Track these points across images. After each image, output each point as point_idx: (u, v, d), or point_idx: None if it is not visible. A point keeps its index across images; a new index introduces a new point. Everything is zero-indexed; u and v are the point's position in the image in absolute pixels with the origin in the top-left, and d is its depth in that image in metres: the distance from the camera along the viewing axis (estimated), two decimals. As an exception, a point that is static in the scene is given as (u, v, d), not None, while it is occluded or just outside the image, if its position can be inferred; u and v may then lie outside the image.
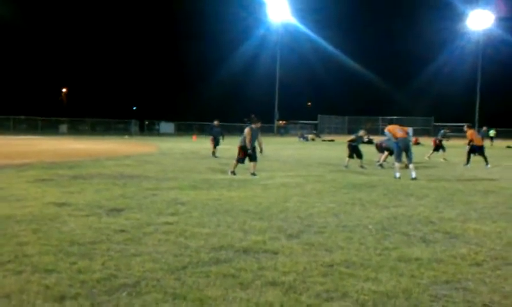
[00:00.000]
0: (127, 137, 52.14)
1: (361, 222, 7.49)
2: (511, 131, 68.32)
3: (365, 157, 18.10)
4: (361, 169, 16.84)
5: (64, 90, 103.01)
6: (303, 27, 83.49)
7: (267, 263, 5.21)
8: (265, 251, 5.71)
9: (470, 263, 5.42)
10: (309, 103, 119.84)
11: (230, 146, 22.88)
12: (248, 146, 14.08)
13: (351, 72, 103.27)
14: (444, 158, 22.36)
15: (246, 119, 16.14)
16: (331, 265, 5.20)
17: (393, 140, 14.73)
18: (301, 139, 54.40)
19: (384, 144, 18.26)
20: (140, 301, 4.16)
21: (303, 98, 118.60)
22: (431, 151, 23.60)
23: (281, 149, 30.58)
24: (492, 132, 46.45)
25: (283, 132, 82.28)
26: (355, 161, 17.81)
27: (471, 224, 7.52)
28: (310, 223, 7.37)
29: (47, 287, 4.40)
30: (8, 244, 5.77)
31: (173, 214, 7.81)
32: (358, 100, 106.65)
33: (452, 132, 28.71)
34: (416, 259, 5.49)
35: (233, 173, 14.16)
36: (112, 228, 6.67)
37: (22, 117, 63.84)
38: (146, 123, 78.78)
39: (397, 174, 13.92)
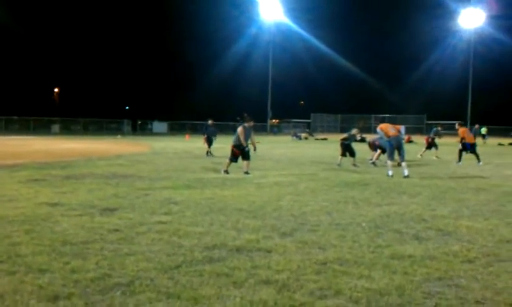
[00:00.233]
0: (119, 136, 51.99)
1: (354, 220, 7.52)
2: (503, 129, 68.72)
3: (357, 155, 18.15)
4: (354, 168, 16.88)
5: (56, 90, 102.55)
6: (295, 27, 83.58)
7: (261, 262, 5.22)
8: (259, 250, 5.73)
9: (463, 260, 5.45)
10: (302, 102, 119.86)
11: (223, 145, 22.86)
12: (244, 144, 14.09)
13: (344, 71, 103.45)
14: (436, 156, 22.45)
15: (238, 118, 16.16)
16: (325, 263, 5.22)
17: (386, 138, 14.78)
18: (294, 137, 54.39)
19: (377, 143, 18.33)
20: (134, 300, 4.16)
21: (296, 96, 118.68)
22: (424, 149, 23.68)
23: (275, 148, 30.59)
24: (484, 130, 46.65)
25: (276, 130, 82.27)
26: (348, 159, 17.86)
27: (463, 221, 7.57)
28: (303, 221, 7.39)
29: (41, 287, 4.39)
30: (1, 244, 5.75)
31: (166, 213, 7.81)
32: (351, 99, 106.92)
33: (444, 129, 28.79)
34: (409, 256, 5.52)
35: (227, 171, 14.16)
36: (106, 228, 6.67)
37: (14, 117, 63.48)
38: (139, 122, 78.56)
39: (390, 172, 13.97)
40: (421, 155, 23.08)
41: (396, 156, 14.82)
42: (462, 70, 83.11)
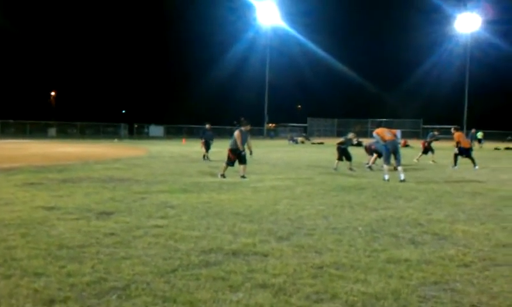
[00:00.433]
0: (116, 140, 51.90)
1: (351, 225, 7.53)
2: (499, 133, 68.89)
3: (354, 159, 18.19)
4: (350, 172, 16.91)
5: (53, 93, 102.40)
6: (292, 31, 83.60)
7: (257, 266, 5.23)
8: (255, 254, 5.73)
9: (458, 264, 5.47)
10: (299, 106, 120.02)
11: (219, 149, 22.86)
12: (240, 148, 14.09)
13: (340, 75, 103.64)
14: (433, 161, 22.49)
15: (235, 122, 16.19)
16: (321, 267, 5.22)
17: (382, 143, 14.82)
18: (291, 141, 54.43)
19: (373, 147, 18.36)
20: (130, 304, 4.16)
21: (293, 101, 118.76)
22: (420, 154, 23.73)
23: (271, 152, 30.61)
24: (480, 134, 46.77)
25: (272, 134, 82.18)
26: (344, 163, 17.88)
27: (459, 225, 7.59)
28: (299, 225, 7.40)
29: (36, 291, 4.39)
30: (-3, 248, 5.74)
31: (162, 217, 7.81)
32: (347, 103, 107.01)
33: (441, 134, 28.87)
34: (405, 260, 5.53)
35: (223, 175, 14.16)
36: (102, 232, 6.66)
37: (11, 121, 63.30)
38: (136, 126, 78.32)
39: (386, 177, 14.00)
40: (417, 159, 23.13)
41: (392, 160, 14.84)
42: (458, 74, 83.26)
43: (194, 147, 34.05)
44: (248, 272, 5.01)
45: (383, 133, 14.88)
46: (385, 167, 14.47)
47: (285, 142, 56.09)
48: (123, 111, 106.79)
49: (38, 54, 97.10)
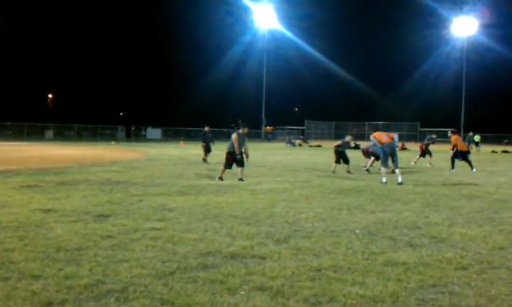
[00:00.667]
0: (113, 143, 51.88)
1: (349, 227, 7.53)
2: (496, 136, 69.05)
3: (351, 162, 18.20)
4: (348, 174, 16.92)
5: (50, 96, 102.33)
6: (289, 34, 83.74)
7: (255, 268, 5.22)
8: (253, 256, 5.73)
9: (456, 267, 5.47)
10: (296, 109, 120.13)
11: (217, 151, 22.85)
12: (237, 151, 14.09)
13: (338, 78, 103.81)
14: (430, 164, 22.52)
15: (233, 125, 16.18)
16: (319, 270, 5.22)
17: (379, 145, 14.84)
18: (289, 144, 54.47)
19: (370, 150, 18.38)
20: (128, 307, 4.15)
21: (290, 103, 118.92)
22: (417, 157, 23.76)
23: (269, 155, 30.61)
24: (477, 138, 46.81)
25: (270, 137, 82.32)
26: (342, 166, 17.90)
27: (457, 228, 7.60)
28: (297, 228, 7.40)
29: (34, 293, 4.38)
30: (-6, 250, 5.73)
31: (160, 220, 7.80)
32: (345, 106, 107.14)
33: (438, 137, 28.92)
34: (403, 263, 5.53)
35: (221, 178, 14.16)
36: (99, 234, 6.65)
37: (8, 123, 63.19)
38: (133, 128, 78.34)
39: (384, 180, 14.01)
40: (415, 162, 23.15)
41: (390, 163, 14.86)
42: (455, 77, 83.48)
43: (192, 149, 34.05)
44: (245, 275, 5.01)
45: (380, 137, 14.91)
46: (383, 170, 14.49)
47: (282, 144, 56.12)
48: (121, 114, 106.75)
49: (35, 56, 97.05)
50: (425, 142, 24.24)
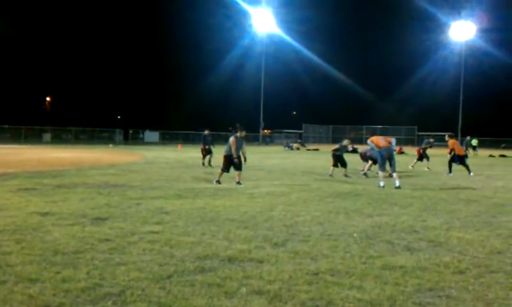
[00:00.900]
0: (111, 146, 51.81)
1: (346, 231, 7.53)
2: (494, 140, 69.21)
3: (349, 166, 18.22)
4: (345, 178, 16.93)
5: (48, 99, 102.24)
6: (287, 38, 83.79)
7: (253, 272, 5.22)
8: (251, 260, 5.72)
9: (454, 271, 5.47)
10: (294, 113, 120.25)
11: (216, 155, 22.83)
12: (234, 154, 14.09)
13: (336, 82, 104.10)
14: (428, 168, 22.54)
15: (231, 128, 16.19)
16: (317, 274, 5.22)
17: (377, 149, 14.86)
18: (286, 148, 54.50)
19: (368, 153, 18.40)
20: (125, 310, 4.14)
21: (288, 107, 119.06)
22: (415, 161, 23.80)
23: (266, 159, 30.61)
24: (474, 142, 46.91)
25: (268, 141, 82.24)
26: (340, 170, 17.92)
27: (454, 232, 7.60)
28: (295, 232, 7.40)
29: (31, 296, 4.37)
30: (-9, 253, 5.71)
31: (158, 223, 7.79)
32: (343, 110, 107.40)
33: (436, 141, 28.99)
34: (401, 267, 5.54)
35: (219, 182, 14.16)
36: (97, 237, 6.64)
37: (6, 126, 63.04)
38: (131, 131, 78.24)
39: (381, 183, 14.03)
40: (412, 166, 23.20)
41: (387, 167, 14.88)
42: (453, 82, 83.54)
43: (190, 153, 34.05)
44: (243, 279, 5.00)
45: (377, 141, 14.94)
46: (380, 174, 14.50)
47: (280, 148, 56.14)
48: (119, 117, 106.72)
49: (33, 59, 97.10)
50: (423, 146, 24.29)
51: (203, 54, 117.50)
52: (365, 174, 18.09)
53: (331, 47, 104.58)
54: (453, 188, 14.24)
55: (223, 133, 62.39)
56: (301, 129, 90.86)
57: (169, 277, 5.00)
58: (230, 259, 5.72)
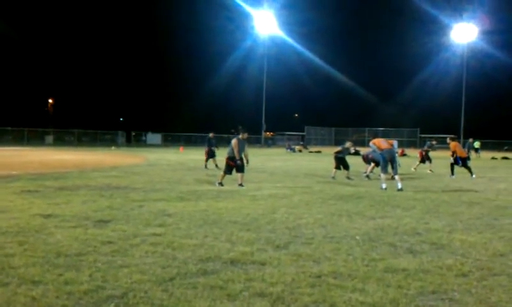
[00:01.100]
0: (113, 148, 51.87)
1: (349, 233, 7.53)
2: (496, 142, 69.06)
3: (351, 168, 18.21)
4: (348, 181, 16.92)
5: (50, 101, 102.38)
6: (290, 40, 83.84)
7: (255, 274, 5.22)
8: (253, 262, 5.72)
9: (456, 273, 5.46)
10: (296, 115, 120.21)
11: (219, 158, 22.84)
12: (237, 156, 14.10)
13: (338, 84, 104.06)
14: (430, 170, 22.52)
15: (233, 131, 16.20)
16: (319, 276, 5.22)
17: (379, 151, 14.86)
18: (289, 150, 54.49)
19: (370, 156, 18.40)
20: (128, 313, 4.14)
21: (290, 109, 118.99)
22: (418, 163, 23.77)
23: (269, 161, 30.61)
24: (477, 144, 46.85)
25: (270, 143, 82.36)
26: (342, 172, 17.91)
27: (457, 235, 7.59)
28: (297, 234, 7.39)
29: (34, 299, 4.37)
30: (-6, 255, 5.72)
31: (160, 226, 7.79)
32: (345, 112, 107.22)
33: (438, 143, 28.95)
34: (403, 270, 5.53)
35: (221, 184, 14.17)
36: (99, 240, 6.65)
37: (8, 128, 63.15)
38: (133, 134, 78.34)
39: (384, 186, 14.02)
40: (415, 168, 23.17)
41: (389, 169, 14.87)
42: (455, 84, 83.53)
43: (192, 155, 34.07)
44: (245, 281, 5.00)
45: (379, 143, 14.95)
46: (383, 176, 14.50)
47: (282, 150, 56.12)
48: (121, 119, 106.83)
49: (35, 61, 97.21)
50: (425, 148, 24.28)
51: (206, 56, 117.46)
52: (367, 176, 18.09)
53: (333, 49, 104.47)
54: (455, 191, 14.22)
55: (225, 135, 62.41)
56: (303, 131, 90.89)
57: (171, 279, 5.00)
58: (233, 262, 5.71)
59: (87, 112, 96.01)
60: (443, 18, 78.56)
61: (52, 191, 11.96)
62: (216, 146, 23.10)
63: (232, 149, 14.24)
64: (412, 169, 23.05)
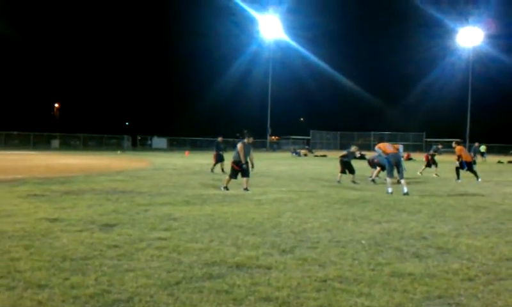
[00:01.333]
0: (119, 152, 51.98)
1: (354, 238, 7.51)
2: (502, 146, 68.86)
3: (357, 172, 18.19)
4: (353, 185, 16.90)
5: (56, 105, 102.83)
6: (295, 44, 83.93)
7: (261, 279, 5.21)
8: (259, 267, 5.71)
9: (463, 278, 5.44)
10: (301, 119, 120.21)
11: (226, 162, 22.85)
12: (243, 160, 14.11)
13: (343, 88, 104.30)
14: (436, 174, 22.48)
15: (238, 135, 16.21)
16: (325, 281, 5.20)
17: (384, 156, 14.84)
18: (294, 154, 54.48)
19: (376, 160, 18.37)
20: (133, 317, 4.15)
21: (296, 113, 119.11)
22: (423, 167, 23.73)
23: (274, 165, 30.60)
24: (483, 148, 46.72)
25: (275, 147, 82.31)
26: (347, 176, 17.88)
27: (463, 239, 7.56)
28: (303, 238, 7.38)
29: (40, 303, 4.38)
30: (0, 259, 5.74)
31: (165, 230, 7.80)
32: (350, 116, 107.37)
33: (444, 147, 28.90)
34: (409, 274, 5.51)
35: (226, 188, 14.17)
36: (105, 244, 6.65)
37: (14, 132, 63.47)
38: (139, 138, 78.56)
39: (390, 190, 13.98)
40: (421, 172, 23.13)
41: (395, 173, 14.85)
42: (461, 88, 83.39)
43: (197, 159, 34.09)
44: (251, 285, 4.99)
45: (384, 147, 14.95)
46: (388, 180, 14.47)
47: (287, 154, 56.12)
48: (127, 123, 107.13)
49: (42, 66, 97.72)
50: (431, 152, 24.24)
51: (211, 60, 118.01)
52: (373, 180, 18.06)
53: (339, 53, 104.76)
54: (461, 195, 14.18)
55: (231, 139, 62.44)
56: (308, 135, 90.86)
57: (177, 283, 5.00)
58: (238, 266, 5.71)
59: (93, 117, 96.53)
60: (449, 22, 78.52)
61: (58, 195, 11.99)
62: (223, 150, 23.10)
63: (238, 154, 14.25)
64: (418, 173, 23.01)
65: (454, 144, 20.75)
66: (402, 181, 14.30)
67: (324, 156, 52.35)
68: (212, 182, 16.79)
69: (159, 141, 78.70)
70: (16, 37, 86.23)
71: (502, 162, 41.38)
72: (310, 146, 76.40)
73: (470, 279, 5.40)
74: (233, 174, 14.42)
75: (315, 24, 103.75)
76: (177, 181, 16.74)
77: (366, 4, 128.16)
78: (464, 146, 22.85)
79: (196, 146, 72.94)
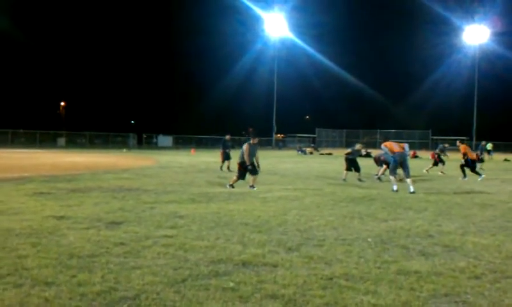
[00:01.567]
0: (125, 150, 52.07)
1: (360, 236, 7.50)
2: (509, 144, 68.53)
3: (363, 170, 18.16)
4: (359, 183, 16.87)
5: (62, 103, 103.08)
6: (300, 42, 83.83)
7: (267, 276, 5.22)
8: (265, 264, 5.72)
9: (469, 276, 5.43)
10: (307, 117, 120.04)
11: (233, 160, 22.86)
12: (247, 162, 14.11)
13: (349, 86, 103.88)
14: (442, 172, 22.42)
15: (244, 132, 16.24)
16: (331, 278, 5.20)
17: (390, 154, 14.82)
18: (299, 152, 54.45)
19: (382, 158, 18.32)
20: (140, 314, 4.16)
21: (301, 111, 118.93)
22: (430, 165, 23.66)
23: (280, 163, 30.59)
24: (489, 146, 46.50)
25: (281, 145, 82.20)
26: (353, 174, 17.86)
27: (469, 237, 7.54)
28: (309, 236, 7.38)
29: (47, 300, 4.40)
30: (8, 257, 5.77)
31: (172, 227, 7.82)
32: (356, 114, 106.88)
33: (450, 145, 28.84)
34: (416, 272, 5.50)
35: (232, 186, 14.19)
36: (112, 241, 6.68)
37: (21, 130, 63.60)
38: (145, 136, 78.61)
39: (395, 187, 13.96)
40: (427, 170, 23.06)
41: (401, 171, 14.81)
42: (467, 85, 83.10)
43: (203, 157, 34.13)
44: (257, 283, 5.00)
45: (391, 146, 14.92)
46: (392, 178, 14.47)
47: (293, 152, 56.08)
48: (132, 121, 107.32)
49: (48, 64, 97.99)
50: (437, 151, 24.18)
51: (217, 58, 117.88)
52: (378, 178, 18.02)
53: (344, 51, 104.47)
54: (468, 193, 14.13)
55: (237, 137, 62.46)
56: (314, 133, 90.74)
57: (183, 281, 5.02)
58: (244, 264, 5.72)
59: (99, 115, 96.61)
60: (455, 19, 78.22)
61: (64, 193, 12.04)
62: (230, 148, 23.08)
63: (243, 154, 14.27)
64: (424, 170, 22.95)
65: (458, 143, 20.93)
66: (409, 180, 14.27)
67: (330, 154, 52.26)
68: (217, 180, 16.81)
69: (165, 139, 78.75)
70: (22, 37, 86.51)
71: (508, 160, 41.18)
72: (316, 144, 76.32)
73: (477, 277, 5.39)
74: (241, 175, 14.44)
75: (320, 22, 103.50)
76: (183, 179, 16.77)
77: (371, 1, 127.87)
78: (469, 145, 22.81)
79: (201, 144, 73.05)
